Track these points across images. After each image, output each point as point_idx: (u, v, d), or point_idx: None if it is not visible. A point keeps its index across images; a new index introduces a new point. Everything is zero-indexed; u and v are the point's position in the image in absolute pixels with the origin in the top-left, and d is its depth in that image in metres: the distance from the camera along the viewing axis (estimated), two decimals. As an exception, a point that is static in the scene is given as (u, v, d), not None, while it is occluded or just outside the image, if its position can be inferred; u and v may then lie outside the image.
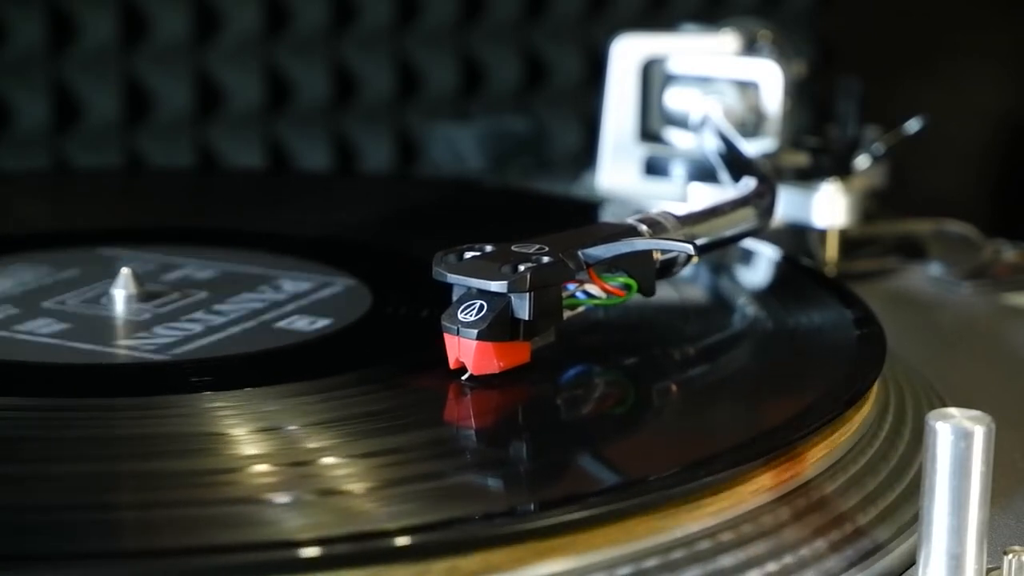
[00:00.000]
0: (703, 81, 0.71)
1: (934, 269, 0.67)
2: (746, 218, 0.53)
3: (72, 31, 0.92)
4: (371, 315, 0.51)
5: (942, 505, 0.36)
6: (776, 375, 0.48)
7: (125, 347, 0.48)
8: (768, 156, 0.67)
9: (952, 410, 0.37)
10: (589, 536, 0.36)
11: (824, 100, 0.78)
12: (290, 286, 0.54)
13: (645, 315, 0.51)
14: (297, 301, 0.53)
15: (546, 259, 0.44)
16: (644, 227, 0.47)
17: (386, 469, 0.39)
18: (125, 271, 0.52)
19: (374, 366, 0.46)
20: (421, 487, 0.37)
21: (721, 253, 0.57)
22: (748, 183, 0.56)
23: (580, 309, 0.46)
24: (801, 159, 0.69)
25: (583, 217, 0.66)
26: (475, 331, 0.43)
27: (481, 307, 0.43)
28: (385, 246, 0.61)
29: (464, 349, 0.43)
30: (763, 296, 0.57)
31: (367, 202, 0.70)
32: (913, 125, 0.70)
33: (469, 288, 0.44)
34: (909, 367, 0.52)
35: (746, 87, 0.70)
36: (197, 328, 0.50)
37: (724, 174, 0.62)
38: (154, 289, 0.53)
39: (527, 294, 0.43)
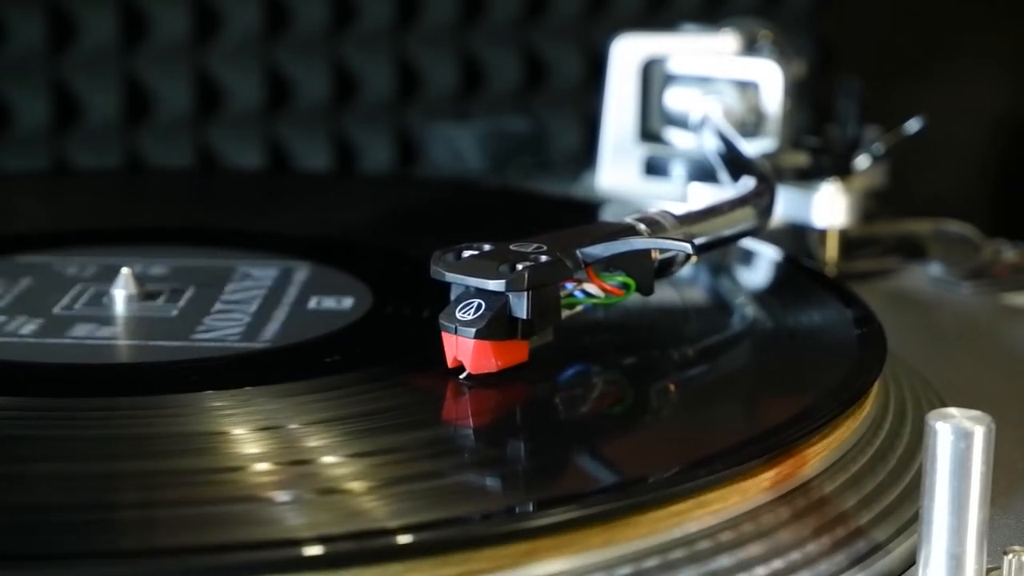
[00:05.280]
0: (703, 81, 0.71)
1: (934, 269, 0.67)
2: (745, 218, 0.53)
3: (72, 31, 0.92)
4: (371, 315, 0.51)
5: (942, 505, 0.36)
6: (776, 375, 0.48)
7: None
8: (768, 156, 0.67)
9: (952, 410, 0.37)
10: (588, 536, 0.36)
11: (824, 100, 0.78)
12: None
13: (644, 314, 0.51)
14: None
15: (544, 258, 0.44)
16: (643, 226, 0.47)
17: (385, 468, 0.39)
18: (125, 271, 0.52)
19: (374, 366, 0.46)
20: (420, 486, 0.37)
21: (721, 253, 0.57)
22: (747, 183, 0.56)
23: (578, 308, 0.46)
24: (801, 159, 0.69)
25: (583, 217, 0.66)
26: (473, 330, 0.43)
27: (479, 306, 0.43)
28: (385, 246, 0.61)
29: (462, 348, 0.43)
30: (763, 296, 0.57)
31: (367, 202, 0.70)
32: (913, 125, 0.70)
33: (467, 287, 0.44)
34: (909, 367, 0.52)
35: (746, 87, 0.70)
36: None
37: (724, 174, 0.62)
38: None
39: (525, 293, 0.43)
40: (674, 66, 0.72)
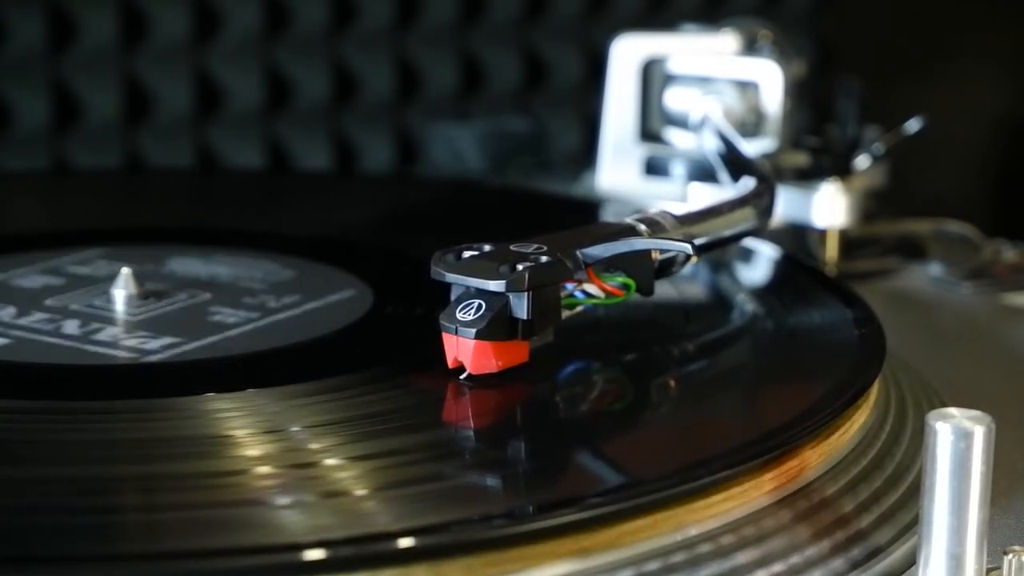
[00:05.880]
0: (703, 81, 0.71)
1: (934, 269, 0.67)
2: (745, 218, 0.53)
3: (72, 31, 0.92)
4: (371, 315, 0.51)
5: (942, 505, 0.36)
6: (776, 374, 0.48)
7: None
8: (768, 156, 0.67)
9: (952, 410, 0.37)
10: (589, 538, 0.36)
11: (824, 100, 0.78)
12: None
13: (645, 314, 0.51)
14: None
15: (544, 258, 0.44)
16: (643, 227, 0.47)
17: (387, 471, 0.39)
18: (125, 271, 0.52)
19: (374, 367, 0.46)
20: (421, 489, 0.37)
21: (721, 252, 0.57)
22: (747, 183, 0.56)
23: (579, 309, 0.46)
24: (801, 159, 0.69)
25: (583, 217, 0.66)
26: (473, 330, 0.43)
27: (479, 306, 0.43)
28: (385, 246, 0.61)
29: (462, 348, 0.43)
30: (763, 295, 0.57)
31: (367, 202, 0.70)
32: (913, 125, 0.70)
33: (467, 287, 0.44)
34: (909, 367, 0.52)
35: (746, 87, 0.70)
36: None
37: (724, 174, 0.62)
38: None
39: (525, 293, 0.43)
40: (674, 66, 0.72)
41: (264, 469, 0.39)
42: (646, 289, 0.47)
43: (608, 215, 0.67)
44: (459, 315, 0.43)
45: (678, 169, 0.72)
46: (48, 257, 0.57)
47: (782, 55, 0.72)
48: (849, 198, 0.68)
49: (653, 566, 0.37)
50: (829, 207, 0.68)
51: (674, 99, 0.72)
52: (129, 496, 0.37)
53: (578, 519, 0.36)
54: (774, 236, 0.62)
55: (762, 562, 0.38)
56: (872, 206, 0.71)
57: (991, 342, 0.60)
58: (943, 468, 0.36)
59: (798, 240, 0.68)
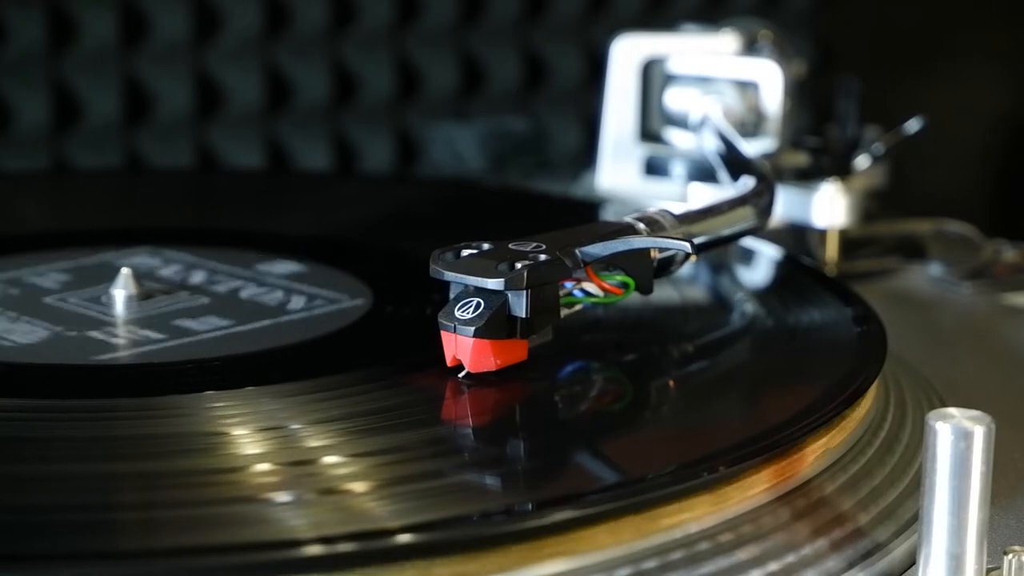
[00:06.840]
0: (703, 81, 0.71)
1: (934, 269, 0.67)
2: (744, 217, 0.53)
3: (72, 31, 0.92)
4: (371, 315, 0.51)
5: (942, 505, 0.36)
6: (776, 373, 0.48)
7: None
8: (768, 156, 0.67)
9: (952, 410, 0.37)
10: (588, 536, 0.36)
11: (824, 100, 0.78)
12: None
13: (644, 313, 0.51)
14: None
15: (543, 257, 0.44)
16: (642, 225, 0.47)
17: (385, 468, 0.39)
18: (125, 271, 0.52)
19: (374, 366, 0.46)
20: (420, 486, 0.37)
21: (721, 251, 0.57)
22: (747, 183, 0.56)
23: (577, 307, 0.46)
24: (801, 159, 0.69)
25: (583, 217, 0.65)
26: (472, 329, 0.43)
27: (478, 305, 0.43)
28: (385, 246, 0.61)
29: (461, 347, 0.43)
30: (763, 294, 0.57)
31: (367, 202, 0.70)
32: (913, 125, 0.70)
33: (466, 286, 0.44)
34: (909, 367, 0.52)
35: (746, 87, 0.70)
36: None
37: (724, 174, 0.62)
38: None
39: (524, 292, 0.43)
40: (674, 66, 0.72)
41: (263, 466, 0.39)
42: (645, 288, 0.47)
43: (608, 215, 0.67)
44: (458, 313, 0.43)
45: (678, 169, 0.72)
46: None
47: (782, 55, 0.72)
48: (849, 198, 0.68)
49: (651, 564, 0.37)
50: (829, 207, 0.68)
51: (674, 99, 0.72)
52: (129, 493, 0.37)
53: (577, 516, 0.36)
54: (774, 236, 0.62)
55: (761, 560, 0.38)
56: (872, 206, 0.71)
57: (991, 342, 0.60)
58: (943, 468, 0.36)
59: (798, 240, 0.68)
